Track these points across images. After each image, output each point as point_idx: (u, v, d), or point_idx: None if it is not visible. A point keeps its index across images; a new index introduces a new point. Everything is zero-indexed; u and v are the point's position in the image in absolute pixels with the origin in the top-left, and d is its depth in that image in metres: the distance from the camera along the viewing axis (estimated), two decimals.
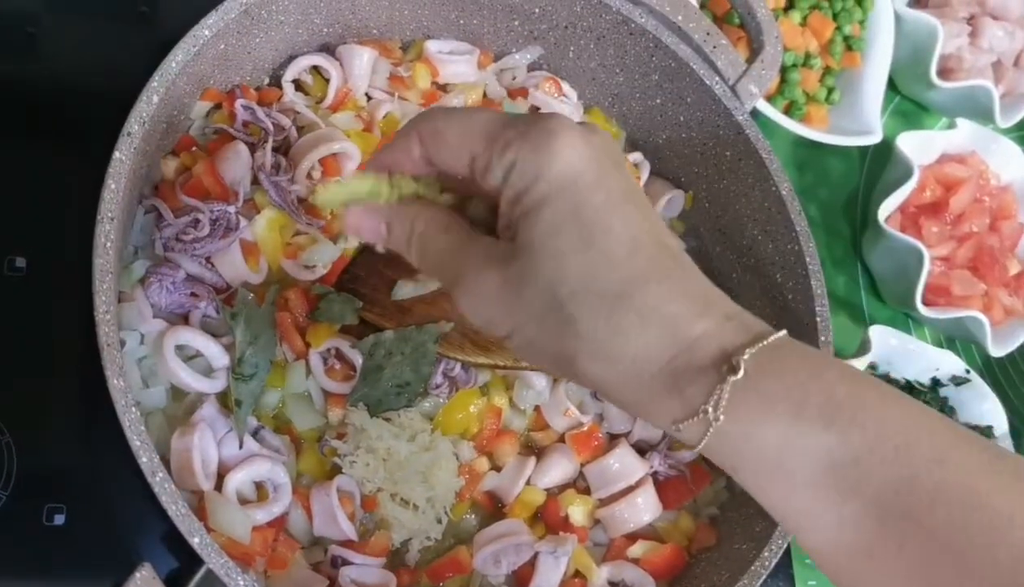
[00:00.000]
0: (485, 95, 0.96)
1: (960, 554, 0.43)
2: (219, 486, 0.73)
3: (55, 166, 0.85)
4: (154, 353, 0.75)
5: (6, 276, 0.81)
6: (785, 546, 0.78)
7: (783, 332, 0.48)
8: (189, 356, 0.76)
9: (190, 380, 0.75)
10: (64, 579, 0.75)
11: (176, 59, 0.75)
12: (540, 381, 0.85)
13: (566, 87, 0.99)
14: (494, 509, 0.85)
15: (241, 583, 0.65)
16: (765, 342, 0.47)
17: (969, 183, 1.12)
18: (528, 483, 0.84)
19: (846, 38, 1.16)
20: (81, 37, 0.91)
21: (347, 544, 0.77)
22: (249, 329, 0.76)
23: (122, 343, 0.73)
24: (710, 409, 0.47)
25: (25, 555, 0.75)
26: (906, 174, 1.09)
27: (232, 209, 0.78)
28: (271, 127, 0.82)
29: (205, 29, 0.77)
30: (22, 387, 0.78)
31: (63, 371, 0.80)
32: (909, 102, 1.29)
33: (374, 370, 0.79)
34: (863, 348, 1.01)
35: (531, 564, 0.81)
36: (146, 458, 0.64)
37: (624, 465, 0.85)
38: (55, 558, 0.75)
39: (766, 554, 0.78)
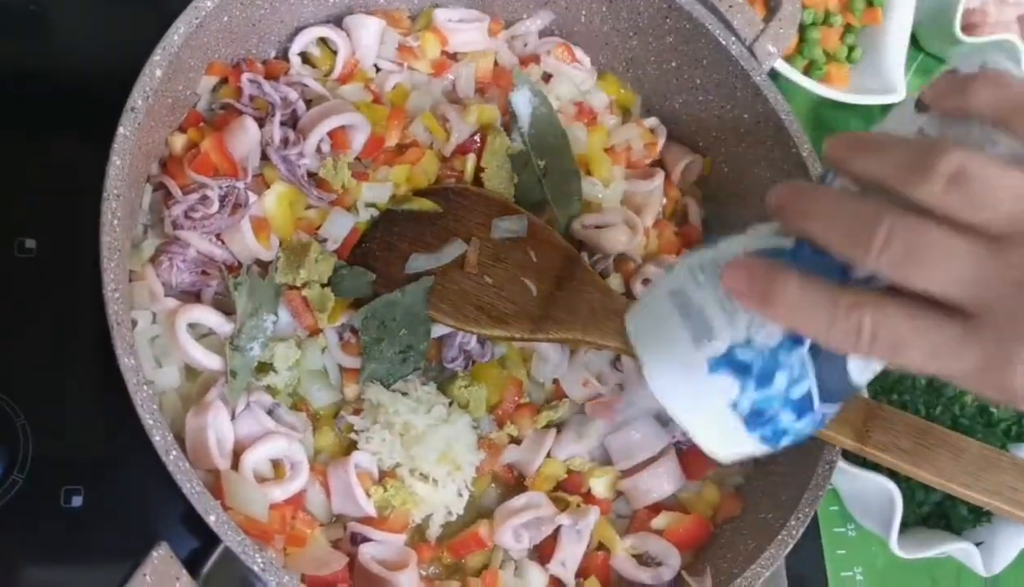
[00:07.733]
0: (496, 63, 0.94)
1: None
2: (236, 464, 0.72)
3: (62, 147, 0.84)
4: (166, 332, 0.74)
5: (16, 258, 0.81)
6: (812, 514, 0.77)
7: None
8: (202, 334, 0.75)
9: (202, 358, 0.74)
10: (82, 560, 0.75)
11: (179, 31, 0.73)
12: (556, 354, 0.83)
13: (579, 53, 0.97)
14: (515, 482, 0.84)
15: (259, 561, 0.64)
16: None
17: None
18: (549, 455, 0.82)
19: None
20: (83, 15, 0.90)
21: (366, 521, 0.76)
22: (251, 300, 0.75)
23: (134, 323, 0.73)
24: None
25: (43, 537, 0.74)
26: None
27: (241, 185, 0.77)
28: (278, 101, 0.80)
29: (208, 0, 0.75)
30: (36, 369, 0.78)
31: (77, 352, 0.79)
32: (933, 59, 1.25)
33: (374, 343, 0.78)
34: None
35: (553, 537, 0.80)
36: (159, 436, 0.63)
37: (646, 436, 0.84)
38: (73, 539, 0.75)
39: (793, 523, 0.76)
